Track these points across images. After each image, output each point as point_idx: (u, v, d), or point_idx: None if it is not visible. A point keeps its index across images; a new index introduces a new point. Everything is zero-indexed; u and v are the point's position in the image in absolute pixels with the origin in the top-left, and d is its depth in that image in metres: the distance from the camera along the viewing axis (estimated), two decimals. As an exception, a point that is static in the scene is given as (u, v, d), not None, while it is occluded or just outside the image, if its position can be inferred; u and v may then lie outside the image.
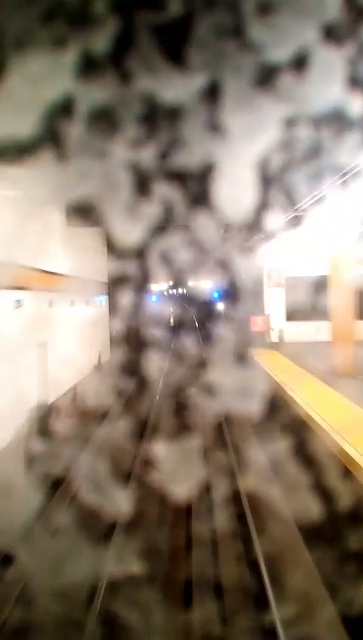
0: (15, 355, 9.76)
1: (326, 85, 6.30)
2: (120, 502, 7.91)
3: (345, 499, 6.65)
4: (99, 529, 7.51)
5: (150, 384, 17.03)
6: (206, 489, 8.65)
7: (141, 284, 26.69)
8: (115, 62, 6.33)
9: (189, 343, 26.15)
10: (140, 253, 17.63)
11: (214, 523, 7.75)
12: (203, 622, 5.71)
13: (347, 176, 10.35)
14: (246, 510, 7.89)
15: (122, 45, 6.16)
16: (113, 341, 19.97)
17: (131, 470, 9.53)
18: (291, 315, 19.85)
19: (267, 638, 5.34)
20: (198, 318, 38.88)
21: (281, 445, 8.89)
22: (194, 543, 7.30)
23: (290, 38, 5.75)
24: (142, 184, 10.70)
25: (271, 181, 10.49)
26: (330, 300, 14.12)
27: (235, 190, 9.36)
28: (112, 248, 17.86)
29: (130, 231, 11.42)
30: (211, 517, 7.96)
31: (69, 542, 7.11)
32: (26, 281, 10.66)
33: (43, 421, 10.45)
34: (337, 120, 7.51)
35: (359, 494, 6.48)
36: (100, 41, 6.05)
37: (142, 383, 16.71)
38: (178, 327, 35.40)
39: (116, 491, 8.39)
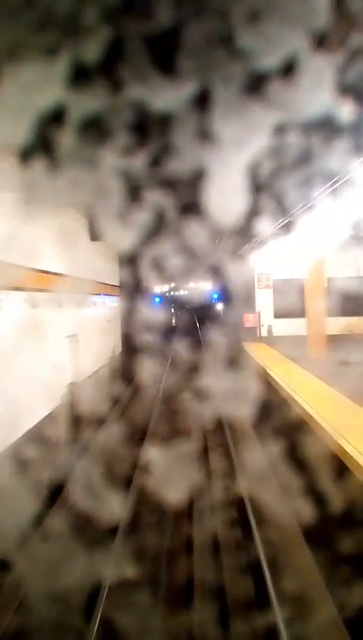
0: (58, 344, 12.65)
1: (316, 92, 6.36)
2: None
3: (296, 438, 9.17)
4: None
5: (159, 365, 21.66)
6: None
7: (146, 287, 29.89)
8: (106, 71, 6.37)
9: (190, 338, 30.88)
10: (144, 258, 19.88)
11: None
12: (203, 624, 5.69)
13: (329, 189, 10.99)
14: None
15: (113, 54, 6.19)
16: (124, 336, 22.99)
17: (150, 418, 14.41)
18: (278, 313, 22.41)
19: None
20: (198, 317, 41.28)
21: (256, 395, 12.41)
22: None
23: (280, 45, 5.81)
24: (137, 192, 10.77)
25: (260, 188, 10.69)
26: (306, 300, 17.26)
27: (225, 198, 9.42)
28: (121, 255, 21.17)
29: (130, 238, 12.37)
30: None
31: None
32: (65, 285, 13.32)
33: (76, 393, 13.61)
34: (327, 127, 7.59)
35: (305, 435, 8.94)
36: (91, 50, 6.09)
37: (150, 367, 20.13)
38: (180, 325, 38.50)
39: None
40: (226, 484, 9.88)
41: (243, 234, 17.33)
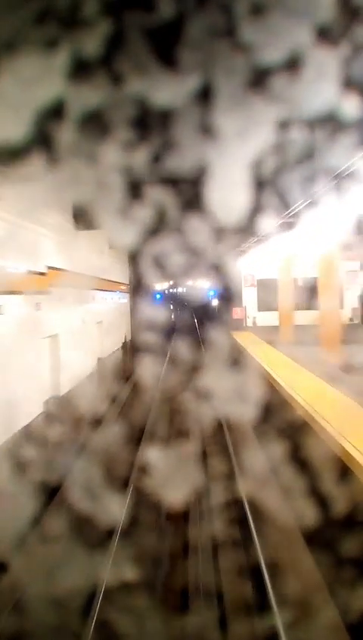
0: (90, 327, 17.43)
1: (319, 87, 6.26)
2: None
3: (257, 382, 13.06)
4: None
5: (163, 346, 25.67)
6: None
7: (149, 284, 34.12)
8: (106, 64, 6.27)
9: (188, 329, 36.50)
10: (146, 257, 21.91)
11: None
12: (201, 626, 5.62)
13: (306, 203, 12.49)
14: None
15: (114, 47, 6.10)
16: (133, 326, 27.93)
17: (160, 376, 19.51)
18: (261, 307, 27.68)
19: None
20: (196, 312, 45.93)
21: (234, 361, 17.94)
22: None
23: (283, 39, 5.71)
24: (139, 189, 10.66)
25: (259, 187, 10.67)
26: (279, 296, 22.18)
27: (226, 195, 9.32)
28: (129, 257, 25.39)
29: (135, 238, 12.98)
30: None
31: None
32: (101, 286, 19.12)
33: (101, 367, 18.71)
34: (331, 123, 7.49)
35: (262, 380, 13.23)
36: (92, 43, 6.00)
37: (157, 350, 23.68)
38: (179, 318, 43.84)
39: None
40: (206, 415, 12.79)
41: (236, 236, 19.56)
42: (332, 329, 15.16)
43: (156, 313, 33.82)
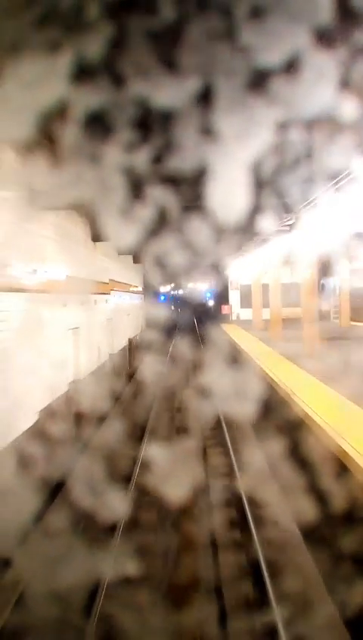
0: (117, 322, 21.01)
1: (319, 89, 6.35)
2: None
3: (233, 355, 20.09)
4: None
5: (168, 335, 34.83)
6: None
7: (155, 287, 42.72)
8: (108, 66, 6.36)
9: (188, 322, 45.86)
10: (153, 262, 26.13)
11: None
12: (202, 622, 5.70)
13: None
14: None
15: (116, 50, 6.19)
16: (148, 317, 35.75)
17: (169, 351, 28.36)
18: (243, 305, 35.96)
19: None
20: (194, 309, 55.14)
21: (219, 342, 24.98)
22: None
23: (283, 41, 5.80)
24: (140, 191, 10.74)
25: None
26: (252, 297, 30.06)
27: (225, 198, 9.40)
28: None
29: (144, 245, 16.27)
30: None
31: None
32: (128, 289, 25.94)
33: (123, 352, 22.38)
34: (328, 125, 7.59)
35: (237, 352, 20.33)
36: (94, 45, 6.09)
37: (164, 336, 33.00)
38: (181, 315, 51.54)
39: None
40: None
41: (228, 244, 22.41)
42: (275, 320, 23.74)
43: (162, 310, 44.19)
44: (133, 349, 24.45)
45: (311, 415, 8.99)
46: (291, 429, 9.82)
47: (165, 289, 58.80)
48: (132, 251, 23.44)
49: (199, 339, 33.39)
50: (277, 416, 11.26)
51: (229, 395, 12.10)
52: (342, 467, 6.99)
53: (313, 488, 7.83)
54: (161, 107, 6.69)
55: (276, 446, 9.50)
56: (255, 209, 11.89)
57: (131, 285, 27.04)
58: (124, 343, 22.88)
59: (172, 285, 61.57)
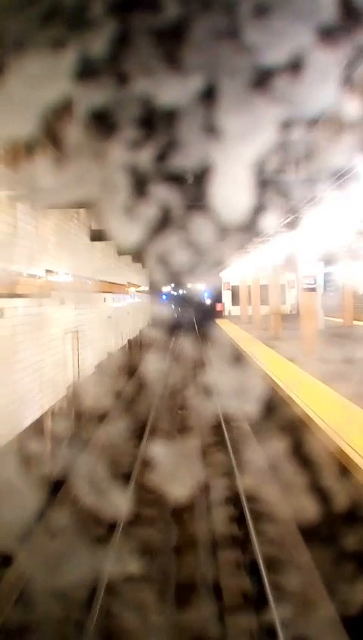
0: (124, 318, 23.70)
1: (322, 87, 6.35)
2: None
3: (224, 343, 25.28)
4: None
5: (171, 329, 38.94)
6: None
7: (157, 287, 47.31)
8: (112, 64, 6.38)
9: (188, 318, 50.69)
10: (156, 263, 27.27)
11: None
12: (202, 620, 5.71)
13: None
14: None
15: (120, 48, 6.20)
16: (153, 313, 41.94)
17: (170, 343, 32.65)
18: (234, 303, 42.37)
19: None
20: (194, 308, 59.49)
21: (214, 332, 31.89)
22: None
23: (286, 40, 5.80)
24: (144, 190, 10.71)
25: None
26: (239, 296, 37.73)
27: (228, 198, 9.39)
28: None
29: (147, 245, 16.10)
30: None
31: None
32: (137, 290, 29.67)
33: (128, 346, 24.46)
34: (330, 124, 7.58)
35: (226, 339, 26.08)
36: (98, 43, 6.10)
37: (167, 330, 36.61)
38: (181, 313, 55.59)
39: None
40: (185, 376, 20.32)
41: (224, 248, 23.68)
42: (255, 315, 30.69)
43: (165, 308, 50.49)
44: (145, 333, 32.04)
45: (270, 374, 13.17)
46: (256, 385, 12.60)
47: (166, 289, 65.06)
48: (138, 252, 25.62)
49: (196, 331, 39.63)
50: (246, 372, 15.25)
51: (212, 357, 22.04)
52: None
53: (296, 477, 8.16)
54: (164, 105, 6.69)
55: (242, 398, 12.26)
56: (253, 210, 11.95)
57: (140, 286, 32.37)
58: (139, 329, 30.36)
59: (173, 285, 67.66)
